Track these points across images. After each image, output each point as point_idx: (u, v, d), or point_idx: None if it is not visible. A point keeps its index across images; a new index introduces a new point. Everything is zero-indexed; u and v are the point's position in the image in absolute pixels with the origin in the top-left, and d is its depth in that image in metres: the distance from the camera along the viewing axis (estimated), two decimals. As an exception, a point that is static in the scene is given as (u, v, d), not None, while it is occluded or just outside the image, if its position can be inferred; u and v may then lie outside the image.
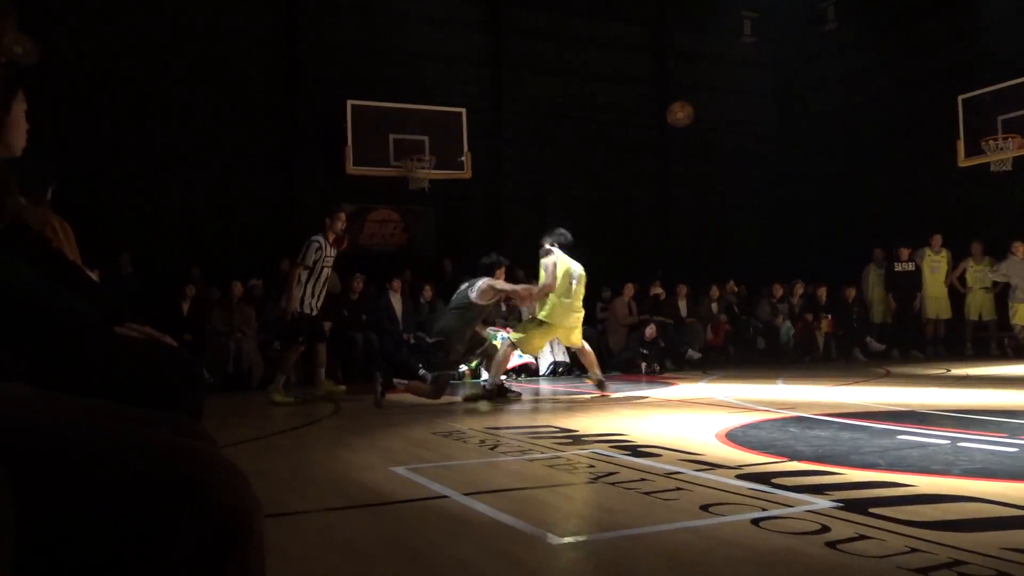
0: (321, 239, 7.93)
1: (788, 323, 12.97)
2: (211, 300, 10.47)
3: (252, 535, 1.01)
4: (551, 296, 7.74)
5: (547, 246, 7.92)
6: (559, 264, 7.78)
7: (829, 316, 13.14)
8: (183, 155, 12.58)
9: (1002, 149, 12.60)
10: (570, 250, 7.95)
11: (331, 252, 8.01)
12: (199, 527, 0.95)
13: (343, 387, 8.64)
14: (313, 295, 7.94)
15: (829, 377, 9.44)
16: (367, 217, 13.93)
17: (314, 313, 8.00)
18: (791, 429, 5.15)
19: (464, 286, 7.58)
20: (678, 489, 3.37)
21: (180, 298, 10.20)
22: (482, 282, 7.49)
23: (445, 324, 7.52)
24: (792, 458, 4.06)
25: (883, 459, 3.99)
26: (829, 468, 3.77)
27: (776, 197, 16.53)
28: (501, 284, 7.58)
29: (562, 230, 8.00)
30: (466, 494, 3.36)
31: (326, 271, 7.99)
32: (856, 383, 8.75)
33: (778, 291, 13.33)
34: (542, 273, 7.80)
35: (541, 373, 10.81)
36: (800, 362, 12.50)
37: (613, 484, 3.52)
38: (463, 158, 13.31)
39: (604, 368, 11.24)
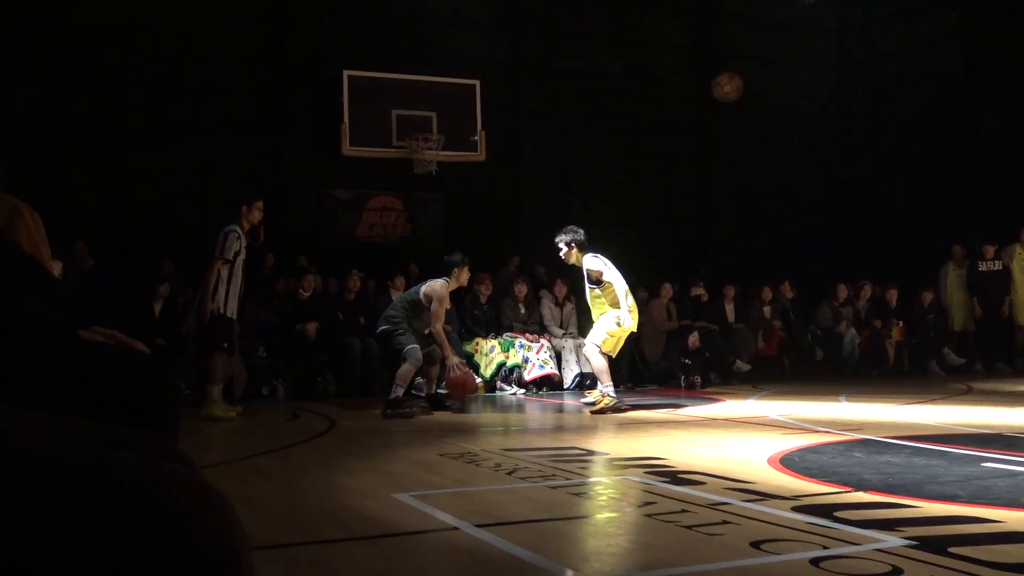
0: (238, 229, 7.92)
1: (853, 331, 12.92)
2: (187, 300, 10.54)
3: (239, 571, 1.02)
4: (620, 300, 8.11)
5: (567, 247, 8.28)
6: (608, 265, 8.18)
7: (901, 323, 13.08)
8: (154, 132, 12.65)
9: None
10: (588, 249, 8.32)
11: (245, 245, 7.98)
12: (181, 562, 0.96)
13: (236, 411, 7.97)
14: (231, 295, 7.81)
15: (900, 394, 9.39)
16: (365, 205, 13.99)
17: (233, 316, 7.90)
18: (856, 454, 5.13)
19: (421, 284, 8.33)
20: (724, 523, 3.36)
21: (151, 297, 10.28)
22: (434, 284, 8.12)
23: (386, 314, 8.26)
24: (858, 488, 4.05)
25: (964, 490, 3.97)
26: (901, 500, 3.75)
27: (839, 184, 16.46)
28: (442, 304, 8.10)
29: (576, 228, 8.31)
30: (478, 525, 3.37)
31: (240, 269, 7.93)
32: (932, 401, 8.70)
33: (842, 293, 13.28)
34: (597, 279, 8.15)
35: (566, 386, 10.82)
36: (867, 376, 12.44)
37: (649, 516, 3.51)
38: (476, 137, 13.34)
39: (639, 382, 11.28)
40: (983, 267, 13.19)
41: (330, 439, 6.49)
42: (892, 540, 3.05)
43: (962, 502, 3.69)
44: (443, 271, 8.27)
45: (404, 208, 14.19)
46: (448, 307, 8.41)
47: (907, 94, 15.70)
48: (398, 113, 13.09)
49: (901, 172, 15.55)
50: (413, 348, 7.95)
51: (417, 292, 8.24)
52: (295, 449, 5.93)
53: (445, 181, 13.33)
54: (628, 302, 8.15)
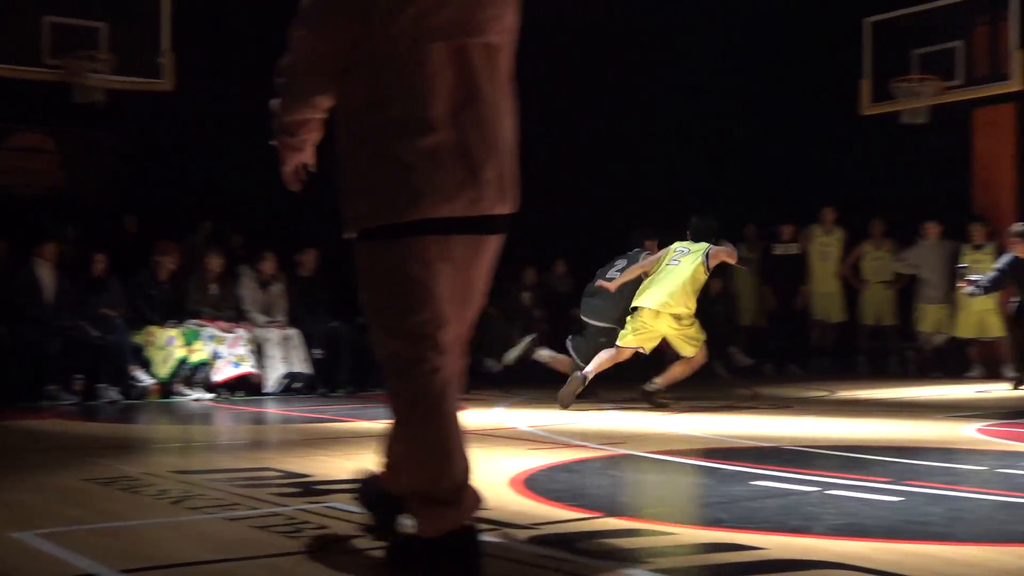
0: None
1: (628, 324, 13.50)
2: None
3: None
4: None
5: None
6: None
7: (685, 315, 13.82)
8: None
9: (917, 94, 13.79)
10: None
11: None
12: None
13: None
14: None
15: (678, 401, 9.93)
16: (3, 143, 13.25)
17: None
18: (615, 472, 5.41)
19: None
20: (443, 559, 3.45)
21: None
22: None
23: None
24: (610, 513, 4.27)
25: (729, 513, 4.29)
26: (658, 526, 4.00)
27: (617, 148, 17.08)
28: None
29: None
30: (124, 571, 3.30)
31: None
32: (712, 409, 9.30)
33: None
34: None
35: (268, 390, 10.72)
36: (643, 379, 13.02)
37: (351, 553, 3.55)
38: (162, 59, 12.88)
39: (363, 386, 11.32)
40: (779, 251, 14.23)
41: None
42: (637, 575, 3.26)
43: (725, 527, 3.98)
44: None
45: (58, 150, 13.54)
46: None
47: (688, 46, 16.47)
48: (53, 21, 12.43)
49: (688, 137, 16.32)
50: None
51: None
52: None
53: (117, 116, 12.82)
54: None
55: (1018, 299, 11.12)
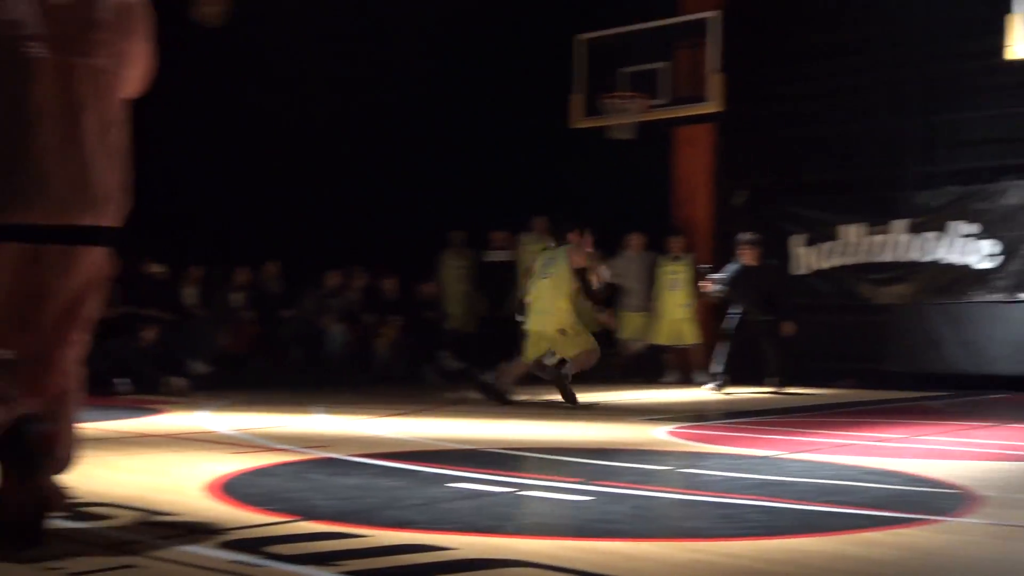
0: None
1: (341, 326, 13.48)
2: None
3: None
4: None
5: None
6: None
7: (397, 319, 13.87)
8: None
9: (624, 110, 14.39)
10: None
11: None
12: None
13: None
14: None
15: (387, 403, 10.00)
16: None
17: None
18: (315, 476, 5.40)
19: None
20: (125, 568, 3.35)
21: None
22: None
23: None
24: (305, 516, 4.25)
25: (424, 515, 4.36)
26: (352, 529, 4.01)
27: (331, 148, 16.93)
28: None
29: None
30: None
31: None
32: (420, 413, 9.41)
33: (331, 281, 13.76)
34: None
35: None
36: (354, 381, 13.03)
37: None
38: None
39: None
40: (490, 257, 14.53)
41: None
42: (324, 576, 3.27)
43: (419, 528, 4.04)
44: None
45: None
46: None
47: (409, 51, 16.59)
48: None
49: (408, 140, 16.42)
50: None
51: None
52: None
53: None
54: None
55: (739, 311, 11.85)
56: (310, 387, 11.98)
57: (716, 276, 11.86)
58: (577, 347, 9.81)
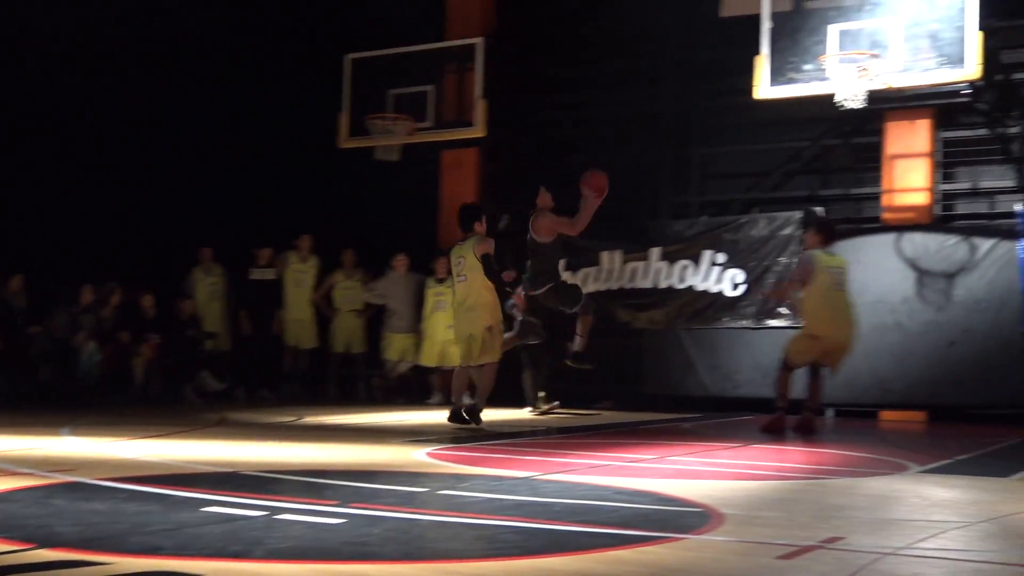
0: None
1: (94, 344, 13.07)
2: None
3: None
4: None
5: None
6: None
7: (155, 337, 13.52)
8: None
9: (390, 132, 14.47)
10: None
11: None
12: None
13: None
14: None
15: (141, 425, 9.71)
16: None
17: None
18: (57, 501, 5.19)
19: None
20: None
21: None
22: None
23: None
24: (43, 544, 4.07)
25: (172, 540, 4.24)
26: (93, 556, 3.86)
27: (84, 154, 16.23)
28: None
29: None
30: None
31: None
32: (175, 435, 9.15)
33: (85, 297, 13.33)
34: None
35: None
36: (108, 401, 12.66)
37: None
38: None
39: None
40: (255, 275, 14.30)
41: None
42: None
43: (165, 555, 3.92)
44: None
45: None
46: None
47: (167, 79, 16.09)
48: None
49: (166, 153, 15.94)
50: None
51: None
52: None
53: None
54: None
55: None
56: (60, 408, 11.52)
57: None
58: (497, 350, 9.85)
